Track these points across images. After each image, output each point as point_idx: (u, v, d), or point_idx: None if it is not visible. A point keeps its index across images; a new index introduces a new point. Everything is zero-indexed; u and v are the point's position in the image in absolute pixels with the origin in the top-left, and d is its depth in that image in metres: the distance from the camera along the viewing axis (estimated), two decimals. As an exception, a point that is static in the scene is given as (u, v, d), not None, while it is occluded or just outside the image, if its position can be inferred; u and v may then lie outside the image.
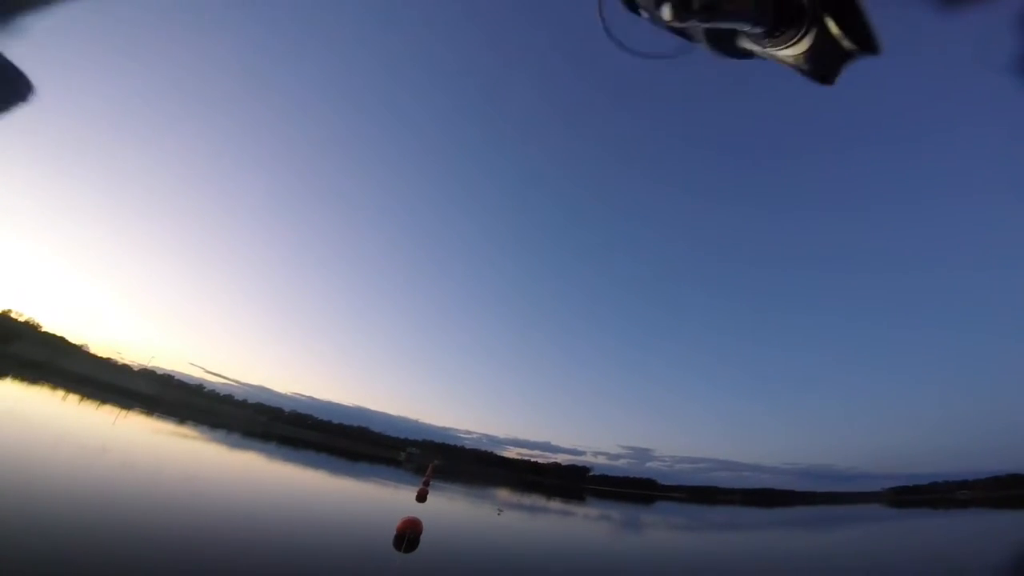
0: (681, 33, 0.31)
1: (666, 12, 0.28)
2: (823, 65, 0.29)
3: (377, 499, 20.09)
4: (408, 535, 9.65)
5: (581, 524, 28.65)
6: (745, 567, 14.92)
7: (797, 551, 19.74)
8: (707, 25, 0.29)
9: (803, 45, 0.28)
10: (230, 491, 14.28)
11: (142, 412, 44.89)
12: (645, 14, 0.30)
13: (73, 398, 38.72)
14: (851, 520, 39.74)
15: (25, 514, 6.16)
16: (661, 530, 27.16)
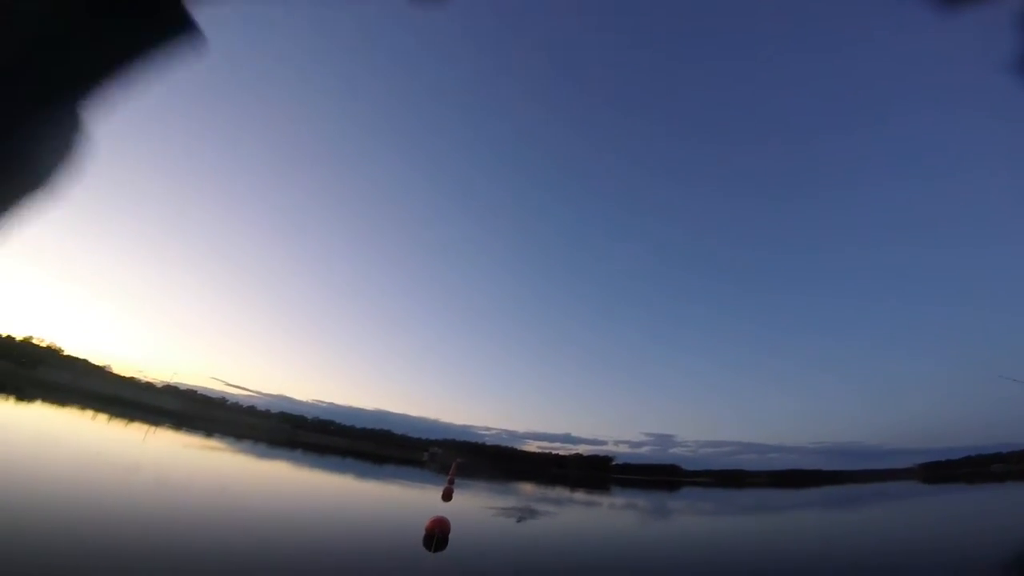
0: None
1: None
2: None
3: (404, 500, 20.32)
4: (437, 534, 9.77)
5: (608, 514, 28.65)
6: (776, 548, 14.83)
7: (828, 530, 19.55)
8: None
9: None
10: (262, 500, 14.55)
11: (170, 427, 45.88)
12: None
13: (101, 418, 39.71)
14: (883, 498, 39.17)
15: (65, 533, 6.34)
16: (688, 515, 27.07)
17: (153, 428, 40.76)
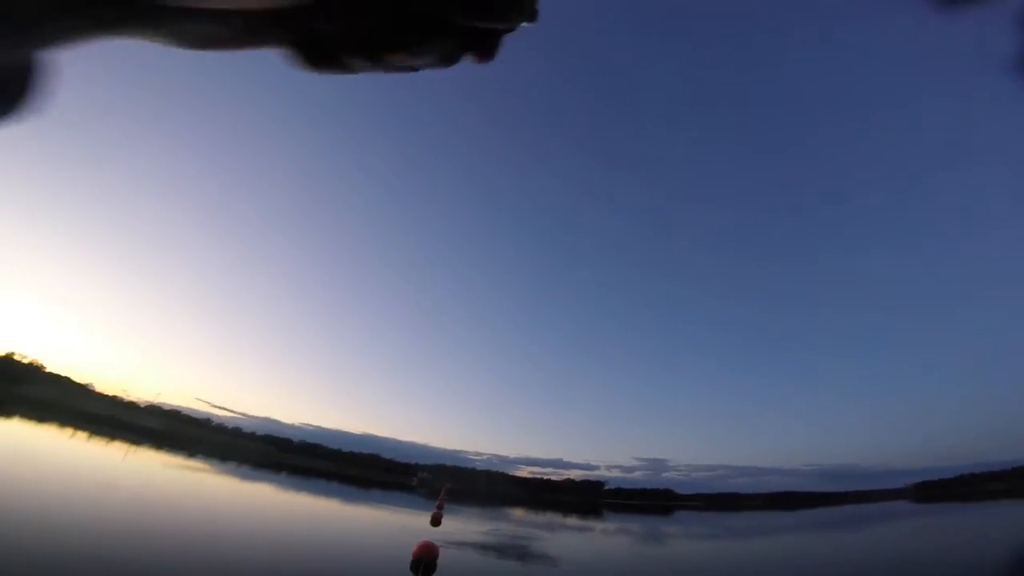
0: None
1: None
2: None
3: (391, 525, 19.78)
4: (424, 560, 9.45)
5: (600, 539, 28.06)
6: (772, 572, 14.54)
7: (824, 553, 19.24)
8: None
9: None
10: (244, 523, 14.10)
11: (151, 447, 44.69)
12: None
13: (81, 436, 38.62)
14: (877, 519, 38.67)
15: (39, 552, 6.08)
16: (682, 540, 26.57)
17: (134, 447, 39.70)
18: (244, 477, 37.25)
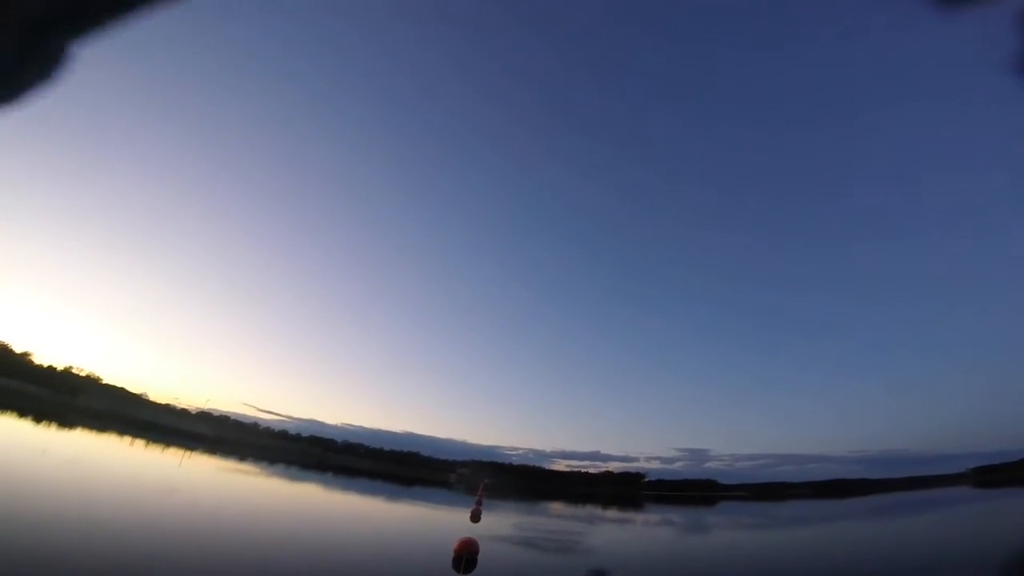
0: None
1: None
2: None
3: (433, 521, 20.23)
4: (465, 556, 9.68)
5: (642, 531, 27.82)
6: (822, 560, 14.12)
7: (875, 541, 18.54)
8: None
9: None
10: (295, 522, 14.73)
11: (205, 452, 46.99)
12: None
13: (139, 443, 41.02)
14: (934, 505, 36.77)
15: (108, 556, 6.55)
16: (727, 530, 26.05)
17: (189, 453, 41.86)
18: (293, 478, 38.78)
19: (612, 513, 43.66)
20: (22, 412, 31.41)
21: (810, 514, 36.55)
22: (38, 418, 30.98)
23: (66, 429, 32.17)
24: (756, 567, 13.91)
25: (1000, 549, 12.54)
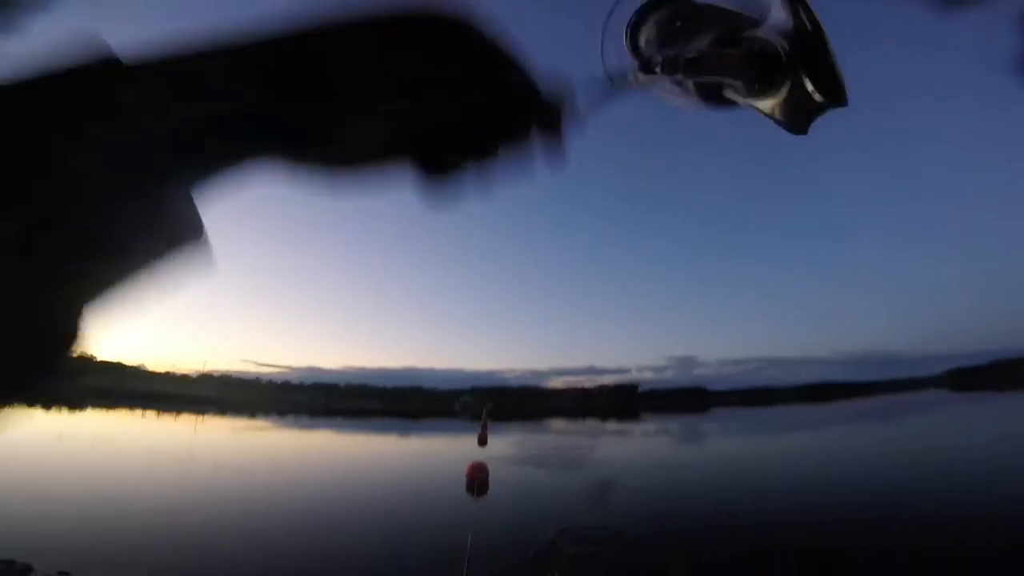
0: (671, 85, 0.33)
1: (658, 68, 0.30)
2: (795, 116, 0.31)
3: (443, 451, 21.58)
4: (478, 479, 10.61)
5: (640, 441, 30.00)
6: (811, 466, 15.25)
7: (860, 447, 20.14)
8: (695, 80, 0.31)
9: (779, 96, 0.31)
10: (315, 470, 15.73)
11: (215, 415, 48.29)
12: (637, 68, 0.32)
13: (150, 415, 41.95)
14: (913, 408, 38.98)
15: (146, 534, 7.08)
16: (720, 437, 28.14)
17: (200, 418, 43.02)
18: (304, 427, 40.42)
19: (611, 426, 46.62)
20: (26, 403, 31.44)
21: (797, 420, 38.76)
22: (45, 406, 31.17)
23: (75, 412, 32.54)
24: (750, 472, 15.29)
25: (972, 457, 13.66)
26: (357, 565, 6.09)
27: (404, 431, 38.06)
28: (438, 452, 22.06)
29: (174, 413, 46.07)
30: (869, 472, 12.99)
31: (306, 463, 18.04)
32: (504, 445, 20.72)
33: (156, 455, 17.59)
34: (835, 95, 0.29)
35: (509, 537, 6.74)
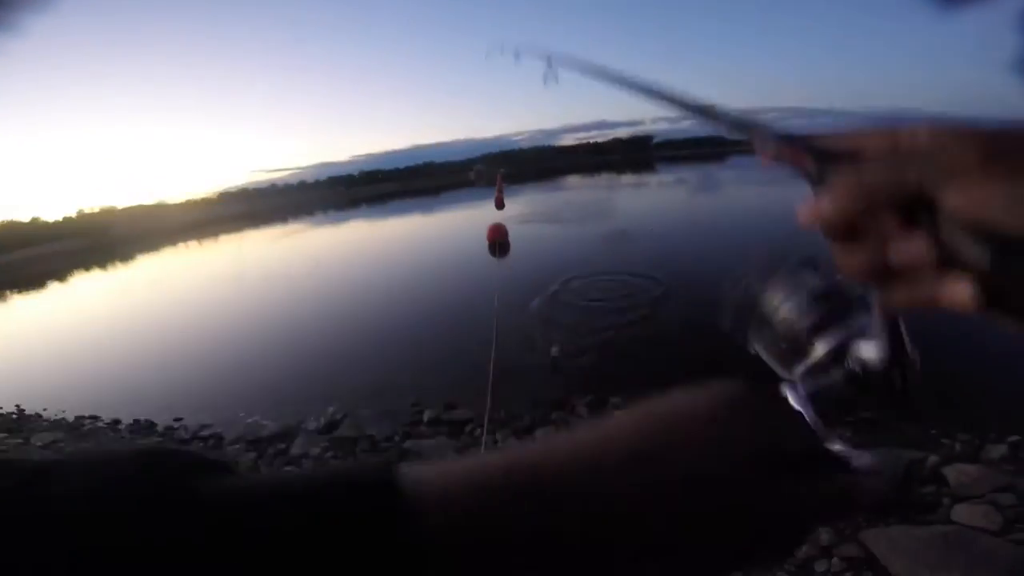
0: None
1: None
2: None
3: (465, 219, 22.45)
4: (498, 241, 11.30)
5: (657, 193, 29.86)
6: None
7: None
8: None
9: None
10: (357, 257, 17.04)
11: (250, 228, 49.41)
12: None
13: (193, 246, 43.36)
14: None
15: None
16: (739, 184, 27.48)
17: (239, 235, 44.58)
18: (336, 221, 41.78)
19: (627, 178, 45.75)
20: (83, 268, 32.35)
21: None
22: (101, 266, 32.31)
23: (131, 263, 33.46)
24: (769, 219, 15.24)
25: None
26: (403, 337, 7.03)
27: (427, 207, 38.81)
28: (461, 220, 23.08)
29: (211, 238, 47.28)
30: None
31: (345, 254, 19.55)
32: (521, 206, 21.47)
33: (210, 276, 19.10)
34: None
35: (532, 292, 7.61)
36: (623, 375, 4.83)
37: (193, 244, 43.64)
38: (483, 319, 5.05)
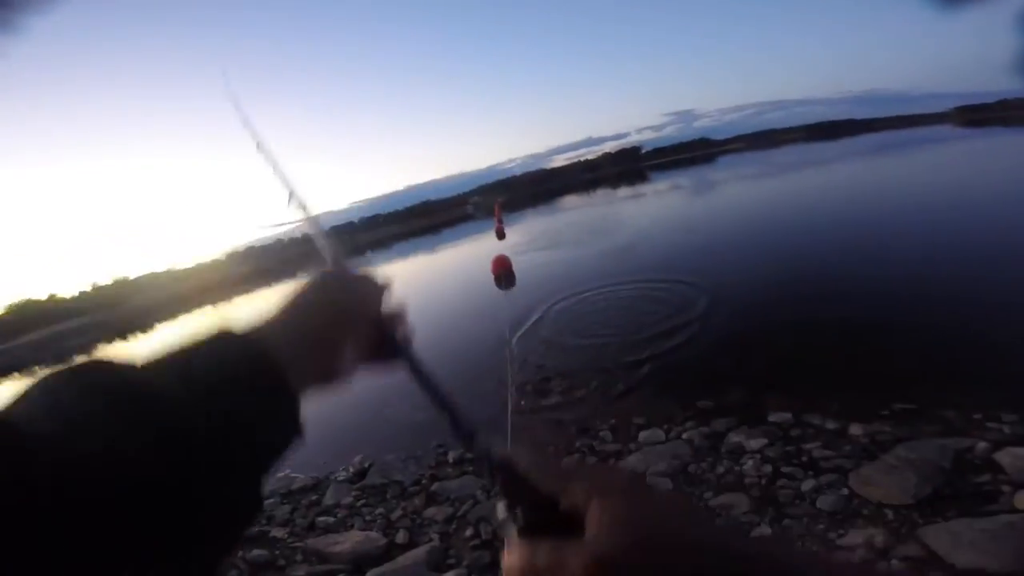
0: None
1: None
2: None
3: (468, 252, 22.67)
4: (503, 273, 11.35)
5: (654, 200, 30.29)
6: (829, 200, 15.22)
7: (873, 178, 19.66)
8: None
9: None
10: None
11: (262, 286, 49.96)
12: None
13: (207, 311, 44.00)
14: (923, 142, 35.05)
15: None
16: (732, 183, 27.81)
17: (251, 294, 44.78)
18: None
19: (622, 191, 46.41)
20: (106, 342, 33.49)
21: (808, 158, 36.70)
22: (123, 338, 32.85)
23: (150, 334, 34.50)
24: (769, 208, 15.47)
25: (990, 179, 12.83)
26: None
27: (430, 245, 38.95)
28: (465, 254, 23.27)
29: (223, 300, 47.92)
30: (884, 200, 13.02)
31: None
32: (521, 234, 21.67)
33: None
34: None
35: (541, 319, 7.60)
36: (645, 397, 4.76)
37: (208, 308, 44.27)
38: (497, 352, 5.06)
